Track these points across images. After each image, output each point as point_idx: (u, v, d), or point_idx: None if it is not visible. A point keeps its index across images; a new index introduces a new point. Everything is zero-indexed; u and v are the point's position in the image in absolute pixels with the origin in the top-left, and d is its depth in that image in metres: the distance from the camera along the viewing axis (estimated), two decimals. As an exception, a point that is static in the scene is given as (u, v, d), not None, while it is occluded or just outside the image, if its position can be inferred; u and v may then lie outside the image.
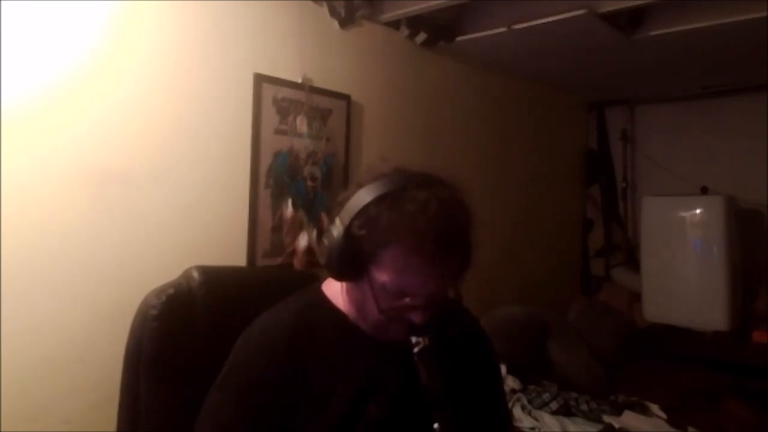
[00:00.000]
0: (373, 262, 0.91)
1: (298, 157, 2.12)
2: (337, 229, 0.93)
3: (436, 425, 0.87)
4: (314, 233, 2.11)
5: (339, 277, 0.99)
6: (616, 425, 2.11)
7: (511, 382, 2.35)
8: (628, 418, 2.20)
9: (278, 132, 2.06)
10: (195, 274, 1.15)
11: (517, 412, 2.20)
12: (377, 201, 0.91)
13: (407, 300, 0.92)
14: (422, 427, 0.91)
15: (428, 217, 0.88)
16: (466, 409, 1.01)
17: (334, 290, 1.04)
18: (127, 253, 1.71)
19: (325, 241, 0.96)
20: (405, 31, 2.50)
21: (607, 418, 2.17)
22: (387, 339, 0.98)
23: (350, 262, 0.93)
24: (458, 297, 0.99)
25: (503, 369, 2.39)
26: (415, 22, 2.46)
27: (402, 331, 0.94)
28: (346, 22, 2.27)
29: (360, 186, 0.94)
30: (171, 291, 1.11)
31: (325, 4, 2.22)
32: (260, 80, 2.00)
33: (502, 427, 1.16)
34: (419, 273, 0.90)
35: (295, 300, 1.06)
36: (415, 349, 0.92)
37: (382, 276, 0.91)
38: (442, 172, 0.98)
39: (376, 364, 0.99)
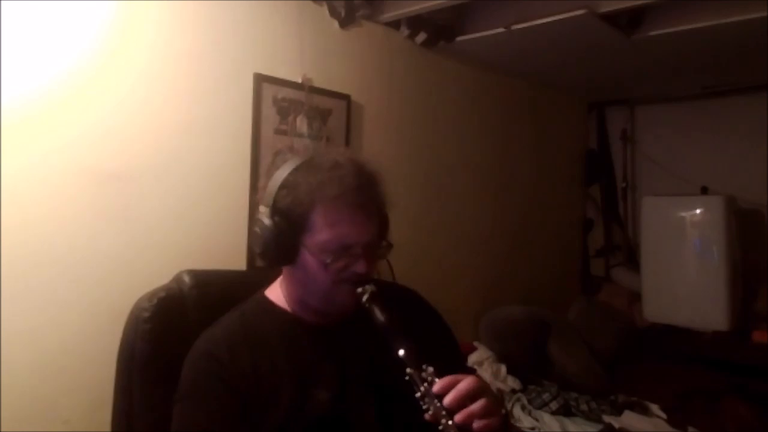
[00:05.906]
0: (306, 231, 0.96)
1: (298, 157, 2.11)
2: (263, 214, 0.98)
3: (401, 352, 0.90)
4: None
5: (277, 262, 1.02)
6: (616, 425, 2.11)
7: (511, 382, 2.35)
8: (628, 418, 2.20)
9: (278, 132, 2.06)
10: (186, 278, 1.17)
11: (517, 412, 2.20)
12: (292, 172, 0.97)
13: (347, 253, 0.96)
14: (378, 405, 0.96)
15: (343, 170, 0.96)
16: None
17: (276, 292, 1.09)
18: (126, 254, 1.71)
19: (257, 229, 0.99)
20: (405, 31, 2.50)
21: (607, 418, 2.17)
22: (339, 309, 1.02)
23: (285, 241, 0.96)
24: (391, 246, 1.04)
25: (503, 369, 2.40)
26: (415, 22, 2.46)
27: (350, 291, 0.97)
28: (346, 22, 2.27)
29: (271, 174, 1.00)
30: (162, 294, 1.14)
31: (325, 4, 2.22)
32: (260, 80, 2.00)
33: (458, 358, 1.22)
34: (350, 221, 0.96)
35: (235, 309, 1.10)
36: (364, 297, 0.96)
37: (318, 237, 0.96)
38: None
39: (319, 352, 1.03)
